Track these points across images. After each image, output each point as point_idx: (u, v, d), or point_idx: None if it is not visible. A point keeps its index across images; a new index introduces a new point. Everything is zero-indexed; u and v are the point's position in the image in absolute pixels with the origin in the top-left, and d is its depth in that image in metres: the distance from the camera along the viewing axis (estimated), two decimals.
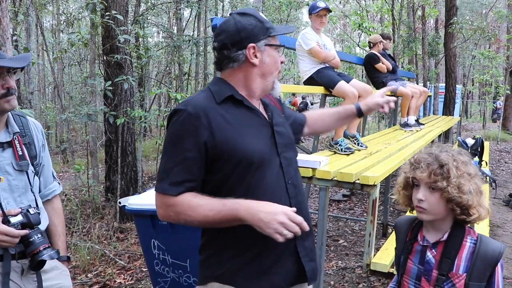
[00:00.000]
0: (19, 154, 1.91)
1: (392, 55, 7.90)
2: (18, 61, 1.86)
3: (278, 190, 1.64)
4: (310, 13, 4.44)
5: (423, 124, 6.70)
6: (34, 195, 1.98)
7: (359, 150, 4.13)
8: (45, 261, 1.84)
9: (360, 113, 2.11)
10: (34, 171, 2.00)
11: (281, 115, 1.84)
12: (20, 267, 1.89)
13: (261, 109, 1.73)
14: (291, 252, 1.66)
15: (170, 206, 1.54)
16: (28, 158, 1.95)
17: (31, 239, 1.79)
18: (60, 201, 2.23)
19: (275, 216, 1.46)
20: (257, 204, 1.50)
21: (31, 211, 1.83)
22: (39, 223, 1.85)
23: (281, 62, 1.72)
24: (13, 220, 1.77)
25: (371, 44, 6.72)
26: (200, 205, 1.52)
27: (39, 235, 1.81)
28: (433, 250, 1.71)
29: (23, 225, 1.79)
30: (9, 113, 1.94)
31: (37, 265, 1.82)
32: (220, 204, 1.51)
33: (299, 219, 1.49)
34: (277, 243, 1.50)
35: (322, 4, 4.34)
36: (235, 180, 1.58)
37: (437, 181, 1.63)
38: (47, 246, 1.82)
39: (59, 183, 2.22)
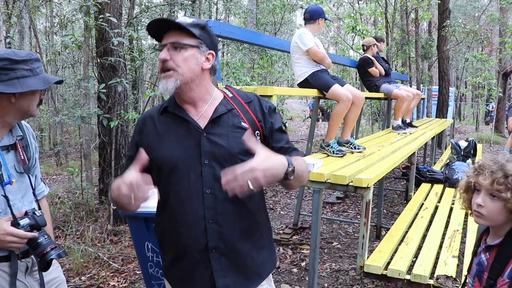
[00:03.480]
0: (22, 157, 1.97)
1: (385, 57, 7.95)
2: (55, 78, 2.00)
3: (192, 198, 1.63)
4: (318, 17, 4.45)
5: (416, 127, 6.74)
6: (35, 197, 2.03)
7: (360, 152, 4.15)
8: (52, 261, 1.88)
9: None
10: (33, 174, 2.05)
11: (241, 127, 1.67)
12: (25, 266, 1.94)
13: (202, 117, 1.67)
14: (206, 265, 1.66)
15: None
16: (27, 161, 2.00)
17: (39, 241, 1.83)
18: (46, 201, 2.28)
19: None
20: None
21: (37, 213, 1.88)
22: (45, 224, 1.90)
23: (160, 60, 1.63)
24: (22, 222, 1.82)
25: (365, 47, 6.76)
26: None
27: (46, 236, 1.86)
28: (487, 253, 1.74)
29: (31, 227, 1.84)
30: None
31: (46, 265, 1.87)
32: None
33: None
34: (188, 253, 1.64)
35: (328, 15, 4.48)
36: (156, 181, 1.68)
37: (500, 190, 1.64)
38: (54, 246, 1.86)
39: (45, 183, 2.27)
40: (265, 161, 1.40)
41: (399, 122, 6.29)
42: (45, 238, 1.85)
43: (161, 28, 1.64)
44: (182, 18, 1.67)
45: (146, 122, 1.74)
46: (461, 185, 1.82)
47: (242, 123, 1.69)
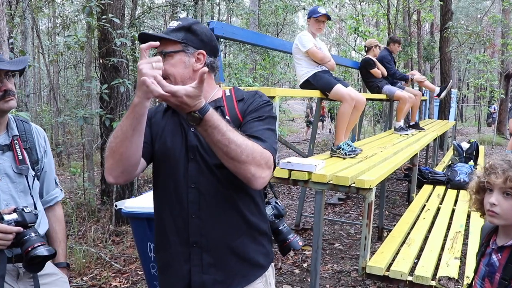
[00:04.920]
0: (19, 158, 1.93)
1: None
2: (15, 64, 1.90)
3: (177, 191, 1.65)
4: (309, 16, 4.45)
5: (423, 129, 6.74)
6: (33, 199, 1.98)
7: (352, 157, 4.12)
8: (43, 264, 1.80)
9: None
10: (34, 176, 2.02)
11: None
12: (16, 271, 1.88)
13: None
14: (186, 259, 1.65)
15: None
16: (28, 163, 1.97)
17: (26, 237, 1.76)
18: (61, 208, 2.23)
19: None
20: None
21: (26, 210, 1.81)
22: (34, 222, 1.83)
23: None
24: (7, 217, 1.76)
25: (367, 48, 6.75)
26: None
27: (35, 234, 1.78)
28: (499, 254, 1.73)
29: (17, 224, 1.77)
30: (10, 117, 1.97)
31: (32, 264, 1.76)
32: None
33: None
34: (170, 243, 1.66)
35: (322, 10, 4.37)
36: (153, 167, 1.76)
37: None
38: (43, 243, 1.78)
39: (61, 189, 2.22)
40: (186, 93, 1.29)
41: (401, 123, 6.29)
42: (33, 235, 1.77)
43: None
44: (171, 23, 1.71)
45: (156, 114, 1.78)
46: (472, 186, 1.82)
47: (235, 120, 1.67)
